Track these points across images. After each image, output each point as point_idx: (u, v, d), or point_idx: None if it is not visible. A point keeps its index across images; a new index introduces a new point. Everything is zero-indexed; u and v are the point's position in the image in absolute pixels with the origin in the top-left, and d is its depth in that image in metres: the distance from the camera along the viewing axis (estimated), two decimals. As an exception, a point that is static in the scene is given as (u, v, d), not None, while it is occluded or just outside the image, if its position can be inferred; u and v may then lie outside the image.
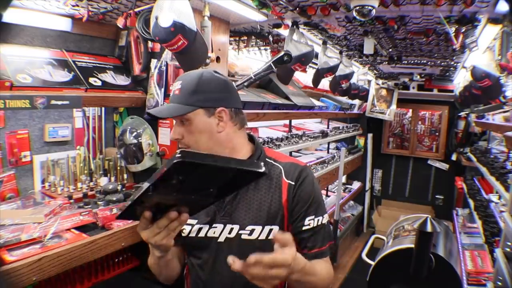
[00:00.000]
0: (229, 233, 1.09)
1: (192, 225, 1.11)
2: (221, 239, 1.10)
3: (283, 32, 2.08)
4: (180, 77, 1.10)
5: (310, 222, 1.10)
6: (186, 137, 1.07)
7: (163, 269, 1.11)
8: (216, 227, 1.10)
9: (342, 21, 1.94)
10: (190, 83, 1.07)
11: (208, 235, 1.11)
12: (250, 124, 2.83)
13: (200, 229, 1.11)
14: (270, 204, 1.09)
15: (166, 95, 1.84)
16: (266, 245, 1.02)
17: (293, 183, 1.11)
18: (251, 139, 1.20)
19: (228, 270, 0.99)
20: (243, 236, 1.08)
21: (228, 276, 1.08)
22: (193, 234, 1.11)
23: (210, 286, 1.12)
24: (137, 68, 1.90)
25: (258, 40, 2.45)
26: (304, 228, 1.09)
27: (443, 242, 2.48)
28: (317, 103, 3.73)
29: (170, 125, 1.84)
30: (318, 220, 1.11)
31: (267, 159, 1.16)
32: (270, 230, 1.08)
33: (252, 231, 1.08)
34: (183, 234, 1.12)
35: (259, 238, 1.08)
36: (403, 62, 3.24)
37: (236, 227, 1.09)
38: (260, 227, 1.08)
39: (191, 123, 1.06)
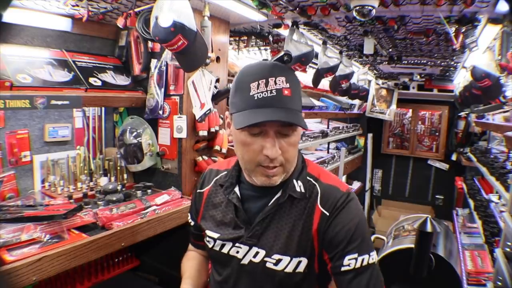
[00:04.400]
0: (254, 256, 0.98)
1: (215, 240, 1.03)
2: (245, 261, 0.99)
3: (283, 32, 2.08)
4: (279, 70, 0.87)
5: (351, 262, 0.89)
6: (285, 152, 0.89)
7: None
8: (240, 247, 0.99)
9: (342, 21, 1.94)
10: (295, 81, 0.89)
11: (231, 253, 1.01)
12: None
13: (223, 245, 1.02)
14: (301, 233, 0.95)
15: (166, 95, 1.84)
16: (292, 278, 0.95)
17: (327, 213, 0.93)
18: None
19: None
20: (268, 265, 0.96)
21: None
22: (216, 248, 1.03)
23: None
24: (137, 68, 1.90)
25: (258, 40, 2.45)
26: (343, 268, 0.89)
27: (443, 242, 2.49)
28: (317, 103, 3.73)
29: (170, 125, 1.84)
30: (362, 259, 0.89)
31: (308, 177, 1.00)
32: (299, 262, 0.94)
33: (278, 261, 0.95)
34: (209, 246, 1.05)
35: (286, 270, 0.94)
36: (403, 62, 3.24)
37: (262, 252, 0.97)
38: (288, 258, 0.94)
39: (296, 135, 0.91)
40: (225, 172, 1.09)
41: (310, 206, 0.96)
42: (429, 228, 1.68)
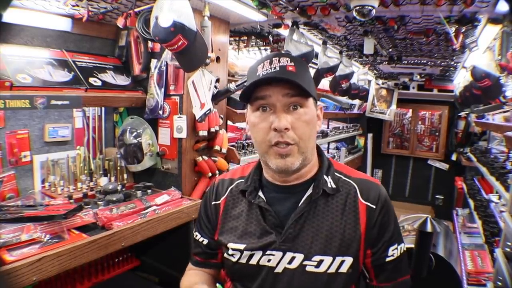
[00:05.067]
0: (289, 262, 0.90)
1: (241, 251, 0.93)
2: (279, 269, 0.90)
3: (283, 32, 2.08)
4: (285, 55, 0.89)
5: (394, 252, 0.93)
6: (297, 128, 0.86)
7: None
8: (273, 254, 0.91)
9: (342, 21, 1.94)
10: (302, 63, 0.89)
11: (261, 263, 0.92)
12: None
13: (251, 256, 0.93)
14: (343, 231, 0.90)
15: (166, 95, 1.84)
16: (335, 279, 0.89)
17: (373, 206, 0.92)
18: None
19: None
20: (308, 268, 0.89)
21: None
22: (243, 261, 0.94)
23: None
24: (137, 68, 1.90)
25: (258, 40, 2.45)
26: (388, 259, 0.92)
27: (443, 242, 2.48)
28: (317, 103, 3.72)
29: (170, 125, 1.84)
30: (400, 248, 0.95)
31: (336, 173, 0.98)
32: (342, 261, 0.89)
33: (320, 262, 0.88)
34: (233, 260, 0.95)
35: (328, 271, 0.88)
36: (403, 62, 3.24)
37: (299, 256, 0.89)
38: (330, 258, 0.88)
39: (307, 112, 0.87)
40: (241, 180, 1.02)
41: (350, 202, 0.93)
42: (429, 228, 1.68)
